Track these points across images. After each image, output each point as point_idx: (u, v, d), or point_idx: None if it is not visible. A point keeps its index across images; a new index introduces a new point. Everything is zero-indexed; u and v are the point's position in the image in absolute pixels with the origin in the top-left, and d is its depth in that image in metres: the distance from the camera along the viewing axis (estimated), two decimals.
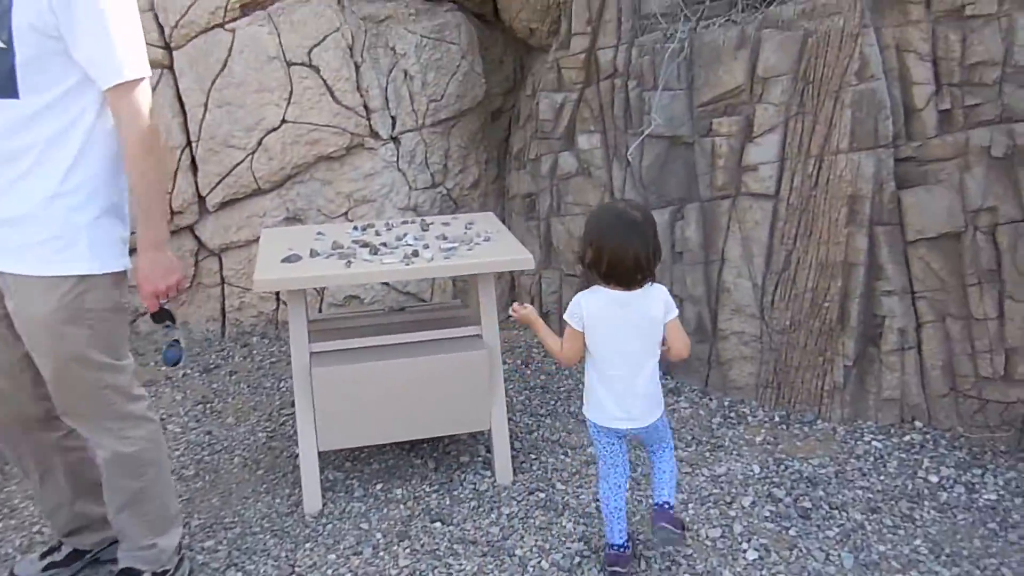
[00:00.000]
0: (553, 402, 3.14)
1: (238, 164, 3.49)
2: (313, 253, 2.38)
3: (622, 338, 2.00)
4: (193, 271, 3.64)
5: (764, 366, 2.97)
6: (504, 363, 3.55)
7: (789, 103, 2.79)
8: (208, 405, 3.15)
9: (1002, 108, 2.53)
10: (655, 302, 2.00)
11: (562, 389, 3.24)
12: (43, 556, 2.13)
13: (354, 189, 3.63)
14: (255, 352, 3.58)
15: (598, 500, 2.23)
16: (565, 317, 2.03)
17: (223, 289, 3.67)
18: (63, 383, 1.81)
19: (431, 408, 2.46)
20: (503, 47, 4.15)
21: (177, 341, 1.96)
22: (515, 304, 2.15)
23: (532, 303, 3.99)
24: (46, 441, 1.97)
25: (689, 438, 2.81)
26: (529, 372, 3.44)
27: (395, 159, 3.68)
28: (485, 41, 4.06)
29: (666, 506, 2.10)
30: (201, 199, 3.54)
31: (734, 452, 2.71)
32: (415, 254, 2.36)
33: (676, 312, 2.04)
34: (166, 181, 1.82)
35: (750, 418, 2.93)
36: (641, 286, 1.97)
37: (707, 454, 2.71)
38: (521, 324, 2.17)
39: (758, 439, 2.79)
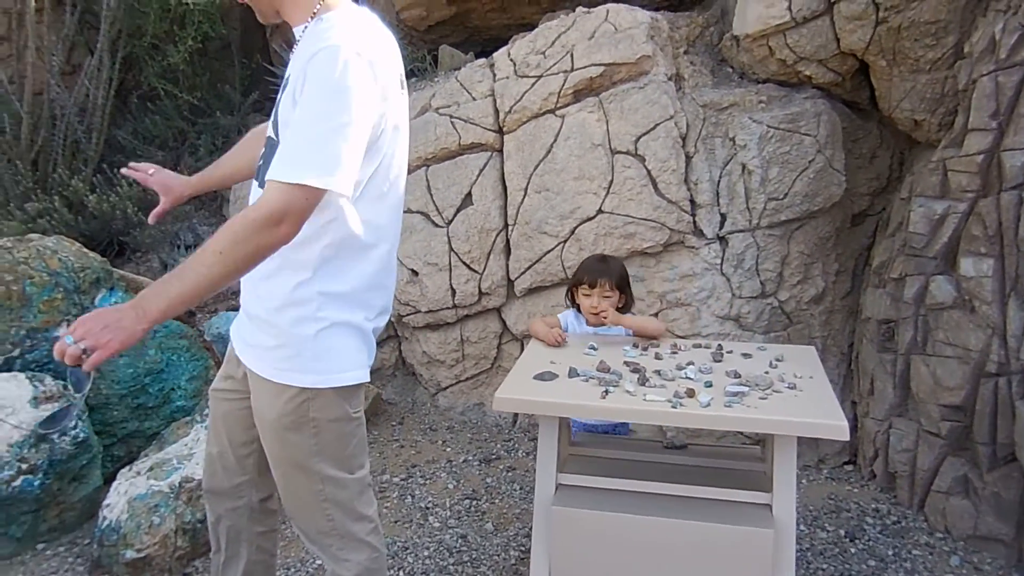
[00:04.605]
0: None
1: (548, 251, 3.33)
2: (572, 372, 2.04)
3: None
4: (495, 353, 3.55)
5: None
6: (823, 530, 2.82)
7: None
8: (475, 502, 2.96)
9: None
10: None
11: None
12: None
13: (668, 290, 3.24)
14: None
15: None
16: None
17: None
18: (287, 489, 1.72)
19: None
20: (878, 140, 3.45)
21: (71, 404, 1.65)
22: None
23: (876, 457, 3.17)
24: (245, 528, 1.89)
25: None
26: (855, 551, 2.65)
27: (719, 261, 3.21)
28: (855, 132, 3.41)
29: None
30: (510, 283, 3.46)
31: None
32: (689, 393, 1.88)
33: None
34: (222, 280, 1.47)
35: None
36: None
37: None
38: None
39: None
